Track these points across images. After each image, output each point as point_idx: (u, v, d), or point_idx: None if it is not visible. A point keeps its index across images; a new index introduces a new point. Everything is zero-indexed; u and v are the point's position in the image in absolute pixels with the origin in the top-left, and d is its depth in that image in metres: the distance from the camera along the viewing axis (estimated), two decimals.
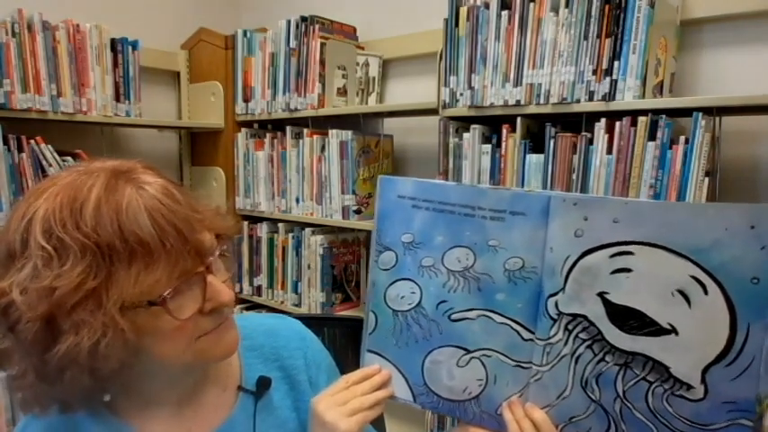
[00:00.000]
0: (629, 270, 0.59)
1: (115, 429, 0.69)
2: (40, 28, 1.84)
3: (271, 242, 2.23)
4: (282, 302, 2.20)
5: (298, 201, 2.13)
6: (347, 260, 2.16)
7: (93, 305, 0.54)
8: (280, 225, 2.20)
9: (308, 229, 2.11)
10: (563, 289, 0.62)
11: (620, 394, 0.61)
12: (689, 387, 0.58)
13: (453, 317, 0.69)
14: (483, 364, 0.68)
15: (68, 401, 0.63)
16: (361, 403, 0.68)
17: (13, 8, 1.80)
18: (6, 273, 0.56)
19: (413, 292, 0.71)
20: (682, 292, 0.57)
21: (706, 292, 0.56)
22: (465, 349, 0.69)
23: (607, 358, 0.61)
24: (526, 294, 0.64)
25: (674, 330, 0.58)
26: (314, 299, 2.10)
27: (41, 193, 0.58)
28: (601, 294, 0.61)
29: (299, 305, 2.16)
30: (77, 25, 1.95)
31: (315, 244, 2.07)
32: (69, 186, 0.58)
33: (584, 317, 0.62)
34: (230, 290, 0.65)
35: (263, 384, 0.77)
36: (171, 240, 0.56)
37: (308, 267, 2.11)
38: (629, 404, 0.61)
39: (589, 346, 0.62)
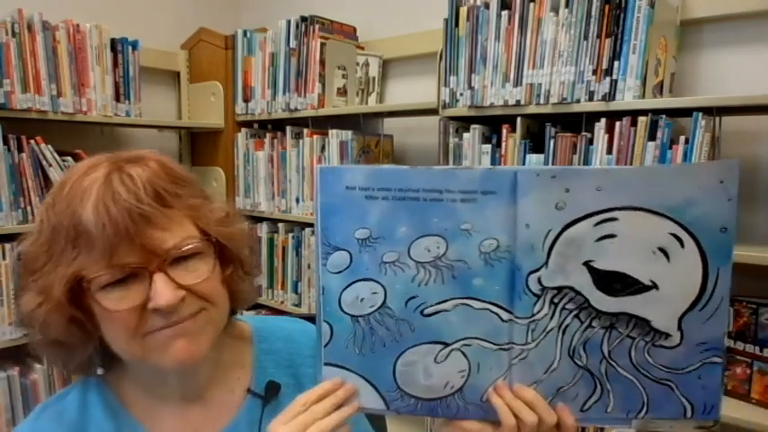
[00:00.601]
0: (613, 236, 0.61)
1: (125, 424, 0.70)
2: (40, 28, 1.84)
3: (271, 242, 2.23)
4: (282, 302, 2.20)
5: (298, 201, 2.13)
6: None
7: (44, 273, 0.63)
8: (280, 225, 2.20)
9: (308, 229, 2.11)
10: (545, 264, 0.62)
11: (606, 355, 0.63)
12: (667, 336, 0.62)
13: (426, 311, 0.64)
14: (464, 354, 0.65)
15: (54, 352, 0.69)
16: (321, 429, 0.61)
17: (13, 8, 1.80)
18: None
19: (374, 293, 0.64)
20: (662, 249, 0.61)
21: (683, 246, 0.60)
22: (442, 343, 0.65)
23: (593, 323, 0.63)
24: (503, 275, 0.63)
25: (655, 286, 0.61)
26: (314, 299, 2.10)
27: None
28: (586, 263, 0.62)
29: (299, 305, 2.16)
30: (77, 25, 1.95)
31: (314, 244, 2.07)
32: (69, 170, 0.67)
33: (571, 288, 0.62)
34: (173, 292, 0.61)
35: (272, 389, 0.76)
36: (109, 232, 0.59)
37: (308, 267, 2.11)
38: (613, 362, 0.63)
39: (576, 316, 0.63)
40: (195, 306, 0.65)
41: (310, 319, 0.91)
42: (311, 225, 2.10)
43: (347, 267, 0.64)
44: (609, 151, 1.40)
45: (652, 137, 1.33)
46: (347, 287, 0.65)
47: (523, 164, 1.55)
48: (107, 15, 2.15)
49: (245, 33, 2.26)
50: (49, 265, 0.62)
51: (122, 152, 0.67)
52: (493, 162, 1.61)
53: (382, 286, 0.64)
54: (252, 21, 2.56)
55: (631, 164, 1.36)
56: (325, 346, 0.66)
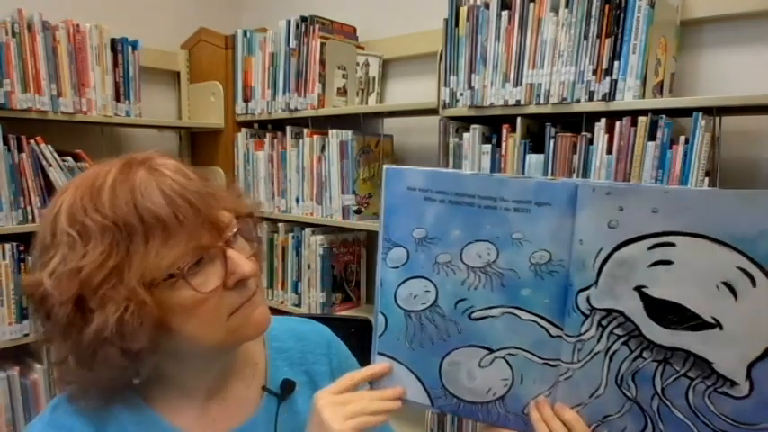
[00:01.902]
0: (669, 262, 0.56)
1: (145, 417, 0.70)
2: (40, 28, 1.84)
3: (271, 242, 2.23)
4: (282, 302, 2.20)
5: (298, 201, 2.13)
6: (347, 260, 2.16)
7: (116, 281, 0.57)
8: (280, 225, 2.20)
9: (307, 229, 2.11)
10: (595, 283, 0.59)
11: (659, 391, 0.59)
12: (733, 383, 0.56)
13: (474, 315, 0.65)
14: (508, 363, 0.65)
15: (106, 388, 0.66)
16: (362, 408, 0.63)
17: (13, 8, 1.80)
18: (41, 265, 0.61)
19: (427, 291, 0.66)
20: (727, 284, 0.54)
21: (754, 284, 0.53)
22: (487, 348, 0.65)
23: (644, 354, 0.59)
24: (553, 289, 0.61)
25: (718, 324, 0.55)
26: (314, 299, 2.10)
27: (65, 189, 0.63)
28: (638, 288, 0.58)
29: (299, 305, 2.16)
30: (77, 25, 1.95)
31: (315, 244, 2.07)
32: (88, 177, 0.62)
33: (620, 312, 0.59)
34: (254, 264, 0.65)
35: (288, 387, 0.77)
36: (184, 214, 0.58)
37: (308, 267, 2.11)
38: (667, 402, 0.59)
39: (625, 343, 0.59)
40: (254, 280, 0.67)
41: (320, 320, 0.91)
42: (311, 225, 2.10)
43: (404, 264, 0.67)
44: (609, 151, 1.40)
45: (652, 137, 1.33)
46: (403, 282, 0.67)
47: (523, 164, 1.55)
48: (107, 15, 2.15)
49: (245, 33, 2.26)
50: (116, 275, 0.58)
51: (114, 159, 0.66)
52: (492, 162, 1.61)
53: (434, 285, 0.66)
54: (252, 21, 2.56)
55: (631, 164, 1.36)
56: (380, 336, 0.69)
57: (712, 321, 0.55)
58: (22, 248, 1.86)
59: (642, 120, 1.34)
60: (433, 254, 0.65)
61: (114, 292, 0.57)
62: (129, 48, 2.10)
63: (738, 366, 0.55)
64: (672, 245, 0.55)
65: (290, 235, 2.17)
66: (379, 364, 0.69)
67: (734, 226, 0.53)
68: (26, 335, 1.87)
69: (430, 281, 0.66)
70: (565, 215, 0.59)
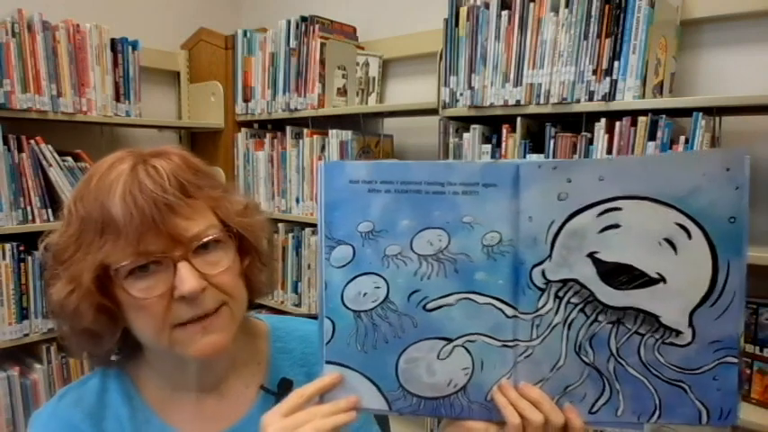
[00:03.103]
0: (617, 226, 0.59)
1: (141, 412, 0.73)
2: (40, 28, 1.84)
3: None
4: (282, 302, 2.20)
5: (298, 201, 2.13)
6: None
7: (75, 263, 0.64)
8: (280, 225, 2.20)
9: (307, 229, 2.11)
10: (549, 256, 0.60)
11: (614, 352, 0.61)
12: (678, 333, 0.60)
13: (429, 306, 0.63)
14: (467, 350, 0.63)
15: (83, 341, 0.71)
16: (315, 428, 0.59)
17: (13, 8, 1.80)
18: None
19: (377, 287, 0.63)
20: (668, 240, 0.59)
21: (690, 237, 0.58)
22: (446, 339, 0.63)
23: (600, 318, 0.61)
24: (506, 270, 0.61)
25: (662, 279, 0.59)
26: (314, 299, 2.10)
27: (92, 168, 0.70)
28: (591, 255, 0.60)
29: (299, 305, 2.16)
30: (77, 25, 1.95)
31: (315, 244, 2.07)
32: (97, 165, 0.68)
33: (575, 280, 0.61)
34: (197, 280, 0.63)
35: (285, 386, 0.77)
36: (135, 219, 0.61)
37: (308, 267, 2.11)
38: (622, 361, 0.61)
39: (581, 310, 0.61)
40: (217, 299, 0.66)
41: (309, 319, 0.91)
42: (311, 225, 2.10)
43: (350, 261, 0.63)
44: (609, 151, 1.40)
45: (652, 137, 1.33)
46: (350, 282, 0.64)
47: None
48: (107, 15, 2.15)
49: (245, 33, 2.26)
50: (78, 254, 0.64)
51: (145, 148, 0.70)
52: None
53: (385, 280, 0.63)
54: (252, 21, 2.56)
55: None
56: (327, 343, 0.65)
57: (657, 277, 0.59)
58: (22, 248, 1.86)
59: (642, 120, 1.34)
60: (381, 247, 0.63)
61: (68, 273, 0.65)
62: (129, 48, 2.10)
63: (681, 316, 0.59)
64: (618, 209, 0.59)
65: (291, 235, 2.17)
66: (328, 376, 0.64)
67: (670, 186, 0.58)
68: (26, 335, 1.87)
69: (380, 276, 0.63)
70: (510, 195, 0.61)
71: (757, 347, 1.33)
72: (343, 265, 0.63)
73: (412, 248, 0.63)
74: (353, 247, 0.63)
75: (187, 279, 0.63)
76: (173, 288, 0.63)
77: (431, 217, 0.62)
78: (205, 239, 0.65)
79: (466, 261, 0.62)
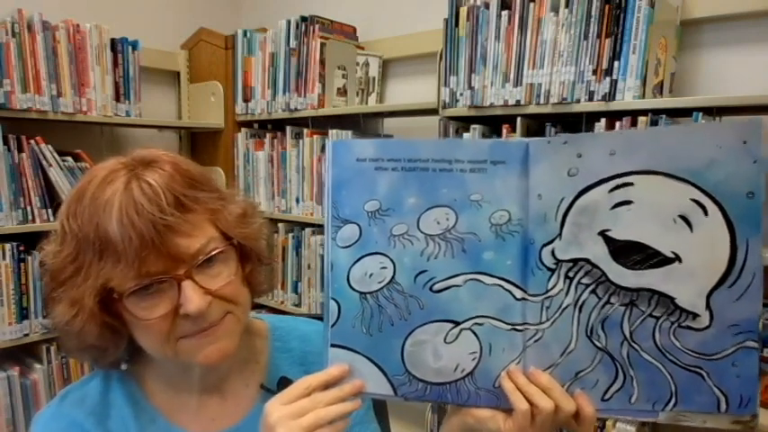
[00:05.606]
0: (629, 202, 0.56)
1: (144, 412, 0.73)
2: (40, 28, 1.84)
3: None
4: (282, 302, 2.20)
5: (298, 201, 2.13)
6: None
7: (74, 285, 0.63)
8: (280, 225, 2.20)
9: (307, 229, 2.11)
10: (559, 235, 0.58)
11: (627, 336, 0.58)
12: (695, 316, 0.56)
13: (436, 287, 0.61)
14: (475, 334, 0.61)
15: (87, 354, 0.70)
16: (318, 418, 0.58)
17: (13, 8, 1.80)
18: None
19: (383, 268, 0.61)
20: (683, 217, 0.56)
21: (706, 213, 0.55)
22: (453, 322, 0.61)
23: (612, 300, 0.58)
24: (515, 250, 0.59)
25: (677, 258, 0.56)
26: (314, 299, 2.10)
27: (82, 178, 0.67)
28: (602, 233, 0.57)
29: (299, 305, 2.16)
30: (77, 25, 1.95)
31: (315, 244, 2.07)
32: (87, 176, 0.66)
33: (586, 260, 0.58)
34: (202, 298, 0.62)
35: (285, 385, 0.77)
36: (134, 242, 0.59)
37: (308, 267, 2.11)
38: (636, 345, 0.58)
39: (593, 291, 0.58)
40: (222, 310, 0.66)
41: (320, 320, 0.91)
42: (311, 225, 2.10)
43: (356, 241, 0.62)
44: None
45: None
46: (356, 262, 0.62)
47: None
48: (107, 15, 2.15)
49: (245, 33, 2.26)
50: (77, 278, 0.63)
51: (134, 152, 0.67)
52: None
53: (391, 260, 0.61)
54: (252, 21, 2.56)
55: None
56: (332, 326, 0.63)
57: (672, 256, 0.56)
58: (22, 248, 1.86)
59: (642, 120, 1.35)
60: (387, 226, 0.61)
61: (68, 295, 0.63)
62: (129, 48, 2.10)
63: (698, 298, 0.56)
64: (630, 184, 0.57)
65: (291, 235, 2.17)
66: (335, 367, 0.62)
67: (684, 159, 0.55)
68: (26, 335, 1.87)
69: (386, 256, 0.61)
70: (519, 172, 0.59)
71: None
72: (350, 245, 0.62)
73: (419, 227, 0.61)
74: (360, 227, 0.62)
75: (192, 299, 0.62)
76: (177, 306, 0.63)
77: (438, 194, 0.60)
78: (207, 255, 0.64)
79: (473, 240, 0.60)
